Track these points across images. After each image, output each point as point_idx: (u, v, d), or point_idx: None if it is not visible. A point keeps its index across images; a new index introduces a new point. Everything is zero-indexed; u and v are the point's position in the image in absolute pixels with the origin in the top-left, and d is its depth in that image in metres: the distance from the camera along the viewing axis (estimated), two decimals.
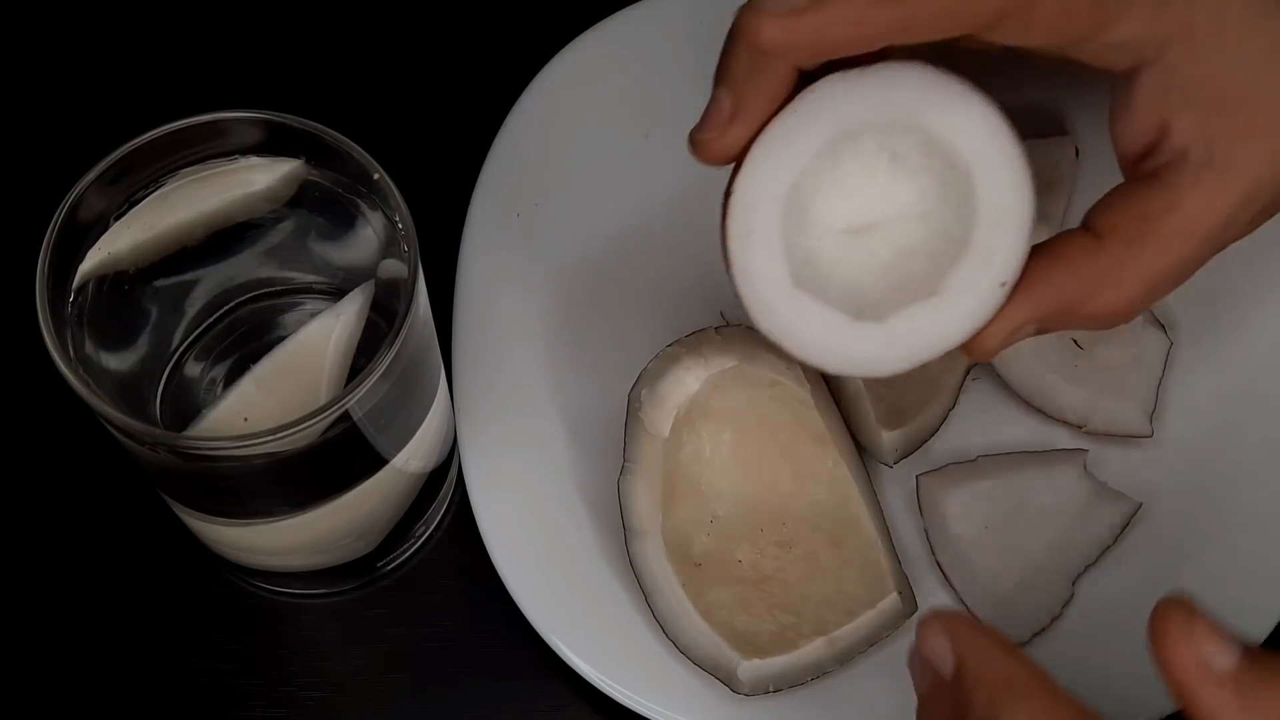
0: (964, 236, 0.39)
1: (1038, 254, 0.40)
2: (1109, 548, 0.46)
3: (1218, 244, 0.40)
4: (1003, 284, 0.39)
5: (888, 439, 0.46)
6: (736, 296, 0.40)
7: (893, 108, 0.38)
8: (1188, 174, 0.38)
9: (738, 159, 0.39)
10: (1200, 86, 0.38)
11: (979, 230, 0.39)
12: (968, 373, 0.49)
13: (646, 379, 0.45)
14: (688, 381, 0.45)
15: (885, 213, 0.40)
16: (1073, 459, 0.46)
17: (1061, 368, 0.47)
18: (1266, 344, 0.49)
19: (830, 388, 0.47)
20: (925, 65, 0.39)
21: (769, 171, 0.39)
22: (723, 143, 0.39)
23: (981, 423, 0.49)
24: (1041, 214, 0.49)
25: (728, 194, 0.39)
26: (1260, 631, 0.44)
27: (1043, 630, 0.45)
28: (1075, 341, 0.48)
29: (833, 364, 0.40)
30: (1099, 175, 0.52)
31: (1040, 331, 0.40)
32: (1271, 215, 0.41)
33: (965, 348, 0.40)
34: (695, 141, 0.39)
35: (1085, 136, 0.50)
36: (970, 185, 0.39)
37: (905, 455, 0.47)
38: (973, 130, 0.39)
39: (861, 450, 0.47)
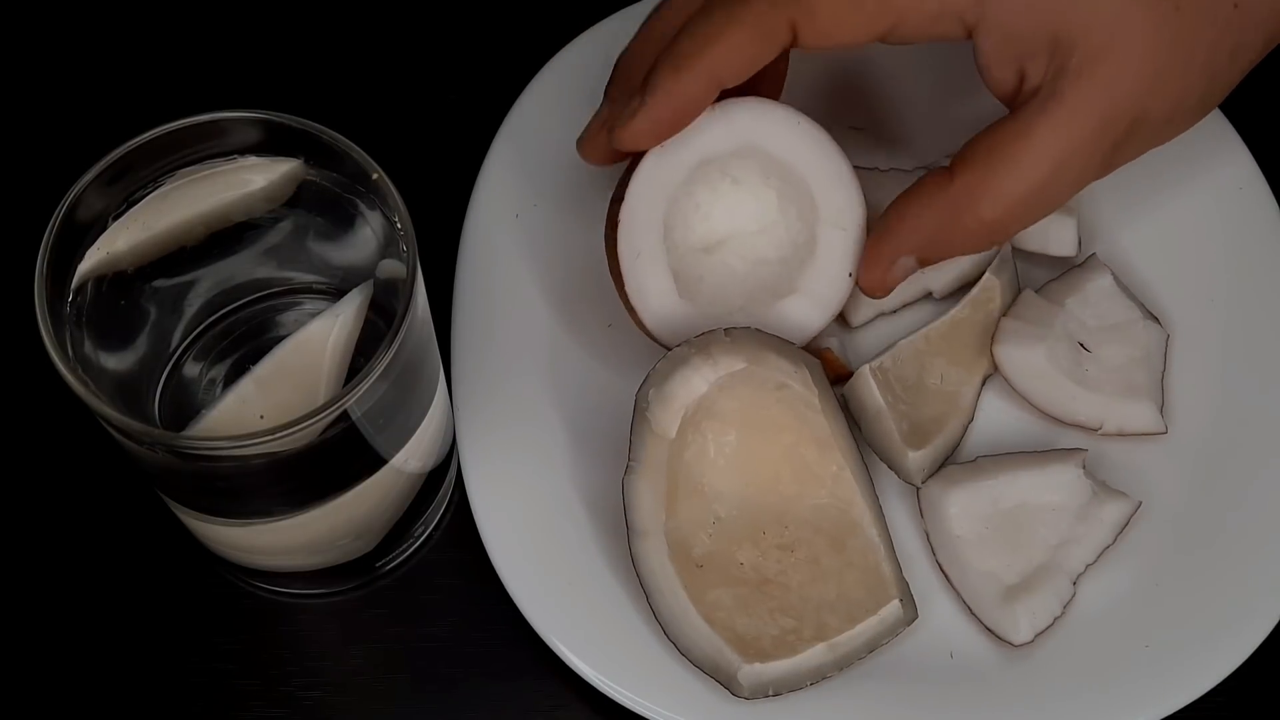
0: (809, 239, 0.46)
1: (900, 196, 0.45)
2: (1109, 547, 0.46)
3: (1073, 173, 0.42)
4: (850, 274, 0.46)
5: (914, 459, 0.46)
6: (629, 309, 0.46)
7: (734, 137, 0.45)
8: (1035, 106, 0.42)
9: (620, 162, 0.45)
10: (1034, 35, 0.41)
11: (823, 230, 0.46)
12: (982, 385, 0.49)
13: (654, 379, 0.44)
14: (695, 382, 0.44)
15: (731, 230, 0.46)
16: (1072, 458, 0.46)
17: (1073, 372, 0.47)
18: (1266, 342, 0.49)
19: (850, 409, 0.47)
20: (760, 100, 0.45)
21: (648, 199, 0.45)
22: (599, 139, 0.45)
23: (982, 423, 0.48)
24: None
25: (614, 222, 0.45)
26: (1260, 631, 0.44)
27: (1044, 630, 0.45)
28: (1082, 345, 0.48)
29: None
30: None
31: (923, 262, 0.45)
32: (1134, 152, 0.43)
33: (859, 286, 0.46)
34: (580, 142, 0.46)
35: None
36: (809, 194, 0.46)
37: (932, 474, 0.47)
38: (804, 148, 0.45)
39: (892, 470, 0.47)
